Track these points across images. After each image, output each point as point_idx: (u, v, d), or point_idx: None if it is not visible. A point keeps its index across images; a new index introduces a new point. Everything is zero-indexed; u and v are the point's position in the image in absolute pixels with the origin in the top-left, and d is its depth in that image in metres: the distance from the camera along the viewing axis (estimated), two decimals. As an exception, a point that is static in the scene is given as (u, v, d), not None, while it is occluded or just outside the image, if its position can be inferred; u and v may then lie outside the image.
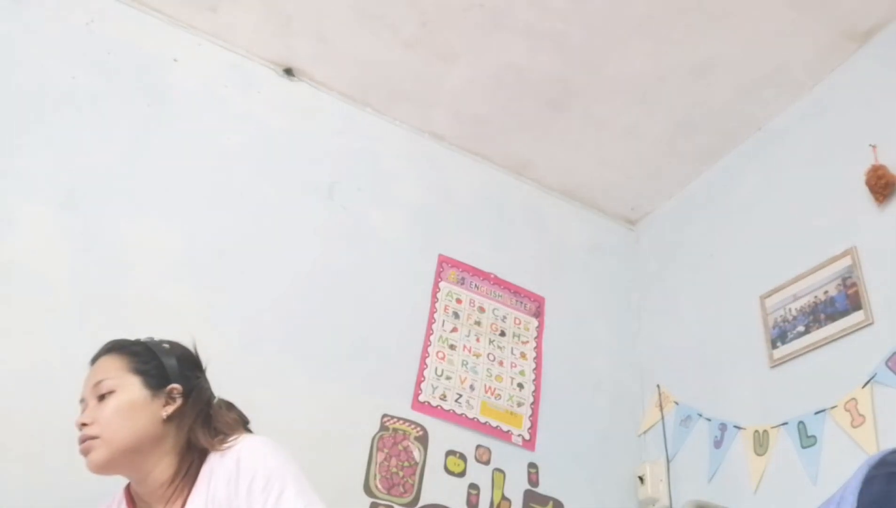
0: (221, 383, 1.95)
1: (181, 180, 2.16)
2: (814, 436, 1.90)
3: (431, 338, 2.32)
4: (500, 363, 2.40)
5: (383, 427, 2.10)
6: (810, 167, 2.23)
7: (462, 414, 2.24)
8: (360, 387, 2.12)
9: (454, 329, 2.38)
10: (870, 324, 1.87)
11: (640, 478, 2.39)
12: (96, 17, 2.22)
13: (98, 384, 1.28)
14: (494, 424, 2.27)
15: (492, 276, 2.55)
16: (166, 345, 1.37)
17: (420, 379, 2.23)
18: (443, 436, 2.18)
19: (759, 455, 2.04)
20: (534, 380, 2.44)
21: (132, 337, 1.39)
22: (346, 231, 2.36)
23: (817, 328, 2.00)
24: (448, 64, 2.41)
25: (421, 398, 2.20)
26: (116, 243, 1.98)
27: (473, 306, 2.46)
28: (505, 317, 2.50)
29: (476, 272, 2.53)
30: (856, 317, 1.90)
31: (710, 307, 2.45)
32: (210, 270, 2.08)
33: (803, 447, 1.91)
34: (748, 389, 2.18)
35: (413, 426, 2.15)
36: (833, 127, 2.20)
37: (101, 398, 1.27)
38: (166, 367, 1.33)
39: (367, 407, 2.11)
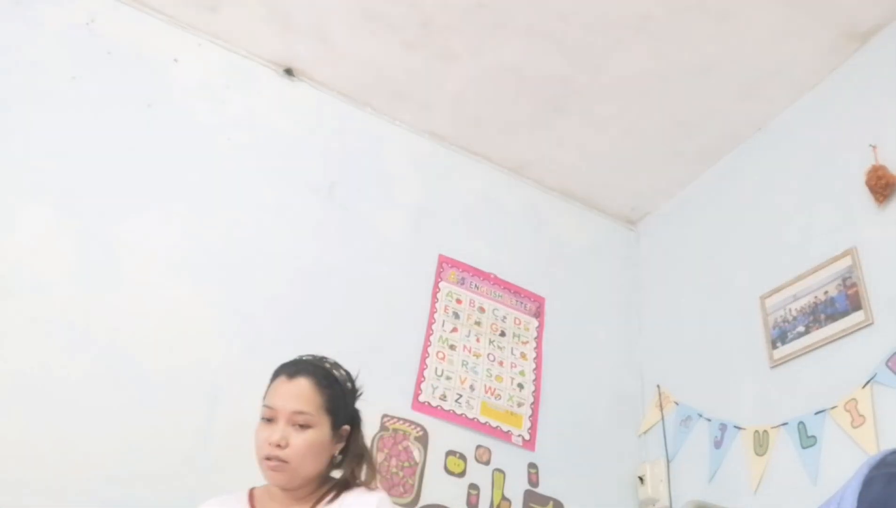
0: (221, 383, 1.96)
1: (181, 180, 2.16)
2: (814, 436, 1.90)
3: (431, 338, 2.32)
4: (500, 364, 2.40)
5: (383, 428, 2.10)
6: (810, 167, 2.23)
7: (462, 414, 2.24)
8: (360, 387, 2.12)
9: (454, 329, 2.38)
10: (870, 324, 1.86)
11: (640, 478, 2.39)
12: (97, 18, 2.22)
13: (298, 413, 1.37)
14: (494, 424, 2.27)
15: (492, 276, 2.55)
16: (349, 384, 1.49)
17: (420, 379, 2.23)
18: (443, 436, 2.18)
19: (759, 455, 2.04)
20: (534, 380, 2.44)
21: (315, 354, 1.52)
22: (346, 231, 2.36)
23: (817, 329, 2.00)
24: (448, 64, 2.41)
25: (421, 399, 2.20)
26: (116, 243, 1.98)
27: (473, 306, 2.46)
28: (505, 317, 2.50)
29: (476, 272, 2.53)
30: (856, 317, 1.90)
31: (710, 308, 2.45)
32: (210, 269, 2.08)
33: (803, 447, 1.91)
34: (748, 389, 2.18)
35: (413, 427, 2.15)
36: (833, 127, 2.20)
37: (296, 425, 1.36)
38: (347, 408, 1.46)
39: (366, 407, 2.11)
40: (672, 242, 2.78)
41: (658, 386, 2.53)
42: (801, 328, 2.06)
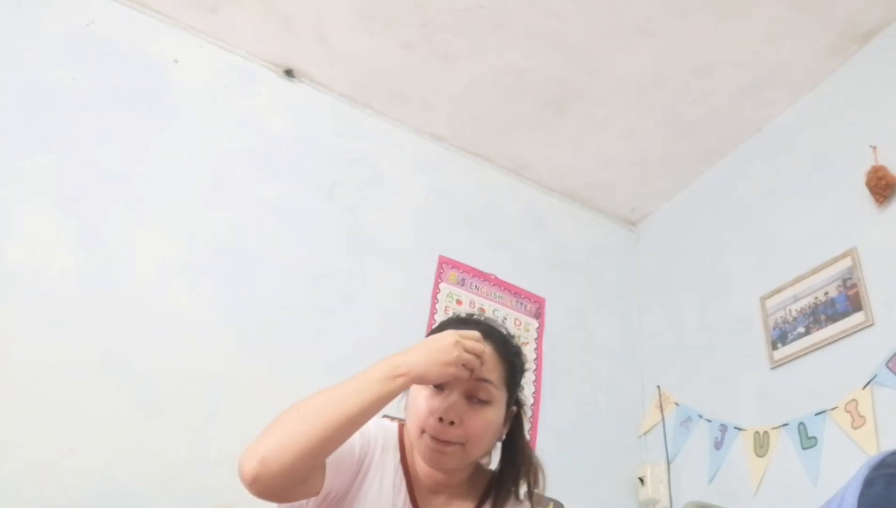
0: (221, 383, 1.96)
1: (181, 181, 2.16)
2: (814, 437, 1.90)
3: (432, 339, 2.31)
4: (501, 364, 2.40)
5: (383, 428, 2.10)
6: (811, 168, 2.23)
7: (462, 415, 2.24)
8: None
9: (454, 330, 2.37)
10: (870, 325, 1.86)
11: (641, 479, 2.39)
12: (97, 19, 2.22)
13: (482, 383, 1.09)
14: (495, 425, 2.27)
15: (492, 277, 2.55)
16: (524, 358, 1.22)
17: (420, 380, 2.23)
18: (443, 437, 2.17)
19: (759, 456, 2.04)
20: (534, 381, 2.43)
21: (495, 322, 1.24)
22: (347, 232, 2.36)
23: (818, 329, 2.00)
24: (448, 65, 2.41)
25: (421, 400, 2.20)
26: (117, 244, 1.98)
27: (474, 307, 2.46)
28: (505, 318, 2.50)
29: (476, 273, 2.52)
30: (856, 318, 1.90)
31: (710, 308, 2.45)
32: (210, 270, 2.08)
33: (804, 448, 1.91)
34: (748, 390, 2.18)
35: (413, 428, 2.15)
36: (833, 128, 2.20)
37: (473, 399, 1.09)
38: (517, 388, 1.20)
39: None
40: (672, 243, 2.78)
41: (658, 387, 2.53)
42: (801, 329, 2.06)
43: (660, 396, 2.50)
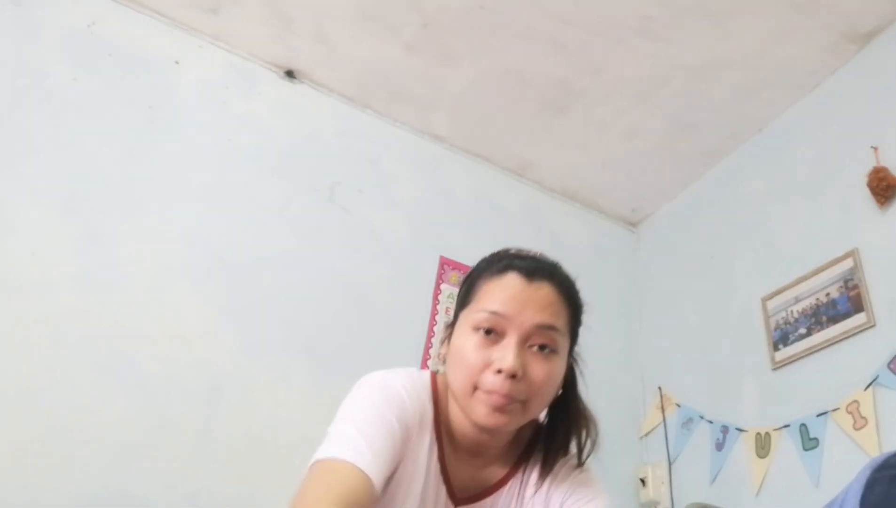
0: (222, 384, 1.96)
1: (182, 183, 2.16)
2: (816, 439, 1.89)
3: (433, 340, 2.31)
4: (502, 365, 2.39)
5: (384, 429, 2.10)
6: (811, 169, 2.23)
7: (463, 416, 2.23)
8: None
9: (455, 331, 2.37)
10: (872, 326, 1.86)
11: (642, 480, 2.39)
12: (98, 20, 2.22)
13: (547, 330, 0.94)
14: (495, 426, 2.27)
15: (493, 278, 2.54)
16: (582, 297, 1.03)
17: (421, 381, 2.23)
18: (444, 438, 2.17)
19: (760, 457, 2.04)
20: (535, 382, 2.43)
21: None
22: (347, 233, 2.35)
23: (819, 331, 2.00)
24: (449, 66, 2.41)
25: (422, 400, 2.20)
26: (117, 246, 1.98)
27: (474, 308, 2.45)
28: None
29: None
30: (858, 319, 1.90)
31: (711, 309, 2.45)
32: (211, 271, 2.08)
33: (805, 449, 1.91)
34: (750, 391, 2.17)
35: (414, 429, 2.14)
36: (834, 129, 2.19)
37: (534, 347, 0.94)
38: (577, 337, 1.03)
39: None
40: (673, 243, 2.78)
41: (659, 388, 2.52)
42: (802, 330, 2.05)
43: (661, 397, 2.50)
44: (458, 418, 0.98)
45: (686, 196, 2.78)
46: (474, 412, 0.93)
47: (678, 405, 2.42)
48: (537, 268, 0.99)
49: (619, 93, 2.44)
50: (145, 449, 1.79)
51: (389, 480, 0.91)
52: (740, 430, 2.14)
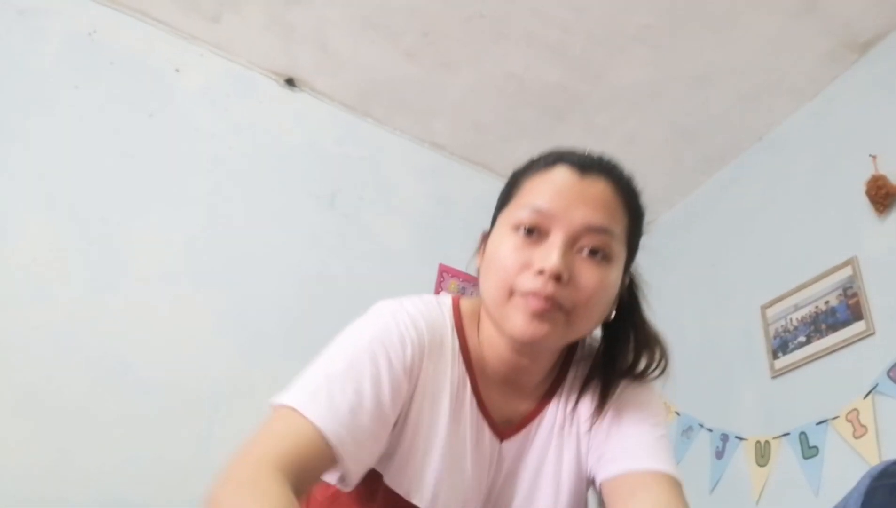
0: (221, 386, 1.96)
1: (183, 190, 2.16)
2: (815, 447, 1.89)
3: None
4: (501, 373, 2.39)
5: (384, 437, 2.09)
6: (811, 177, 2.23)
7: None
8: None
9: (455, 339, 2.36)
10: (871, 334, 1.86)
11: (642, 489, 2.38)
12: (99, 28, 2.23)
13: (599, 232, 0.81)
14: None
15: (492, 285, 2.54)
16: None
17: (421, 389, 2.22)
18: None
19: (760, 465, 2.03)
20: (535, 390, 2.43)
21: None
22: (347, 240, 2.36)
23: (818, 339, 2.00)
24: (449, 74, 2.42)
25: (421, 408, 2.19)
26: (118, 252, 1.99)
27: (474, 315, 2.45)
28: (506, 326, 2.49)
29: (477, 282, 2.52)
30: (857, 327, 1.90)
31: (710, 317, 2.45)
32: (211, 278, 2.08)
33: (805, 457, 1.91)
34: (749, 399, 2.17)
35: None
36: (833, 137, 2.20)
37: (583, 250, 0.80)
38: (638, 245, 0.88)
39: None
40: (673, 251, 2.77)
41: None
42: (802, 338, 2.05)
43: (661, 405, 2.49)
44: (490, 340, 0.85)
45: (686, 204, 2.78)
46: (510, 322, 0.78)
47: (678, 414, 2.41)
48: (592, 162, 0.85)
49: (618, 101, 2.44)
50: (144, 454, 1.79)
51: (401, 426, 0.80)
52: (740, 438, 2.14)
